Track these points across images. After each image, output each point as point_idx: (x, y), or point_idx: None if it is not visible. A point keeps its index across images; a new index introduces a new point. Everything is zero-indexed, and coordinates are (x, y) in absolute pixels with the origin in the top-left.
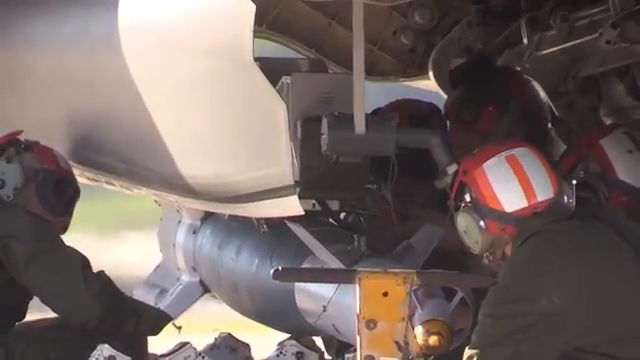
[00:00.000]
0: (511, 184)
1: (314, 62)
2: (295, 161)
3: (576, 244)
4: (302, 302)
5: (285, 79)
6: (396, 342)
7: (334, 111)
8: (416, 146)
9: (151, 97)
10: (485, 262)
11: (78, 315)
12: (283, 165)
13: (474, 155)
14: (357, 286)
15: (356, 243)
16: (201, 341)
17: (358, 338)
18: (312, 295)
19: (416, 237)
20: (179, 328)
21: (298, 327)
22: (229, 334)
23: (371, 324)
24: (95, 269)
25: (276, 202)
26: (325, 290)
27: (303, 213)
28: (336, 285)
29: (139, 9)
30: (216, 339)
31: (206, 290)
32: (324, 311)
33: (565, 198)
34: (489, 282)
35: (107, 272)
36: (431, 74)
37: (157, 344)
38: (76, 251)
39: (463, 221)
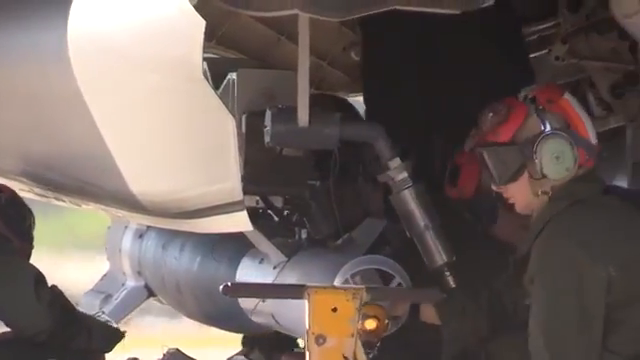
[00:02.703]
0: (588, 118)
1: (262, 64)
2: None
3: (625, 221)
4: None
5: (231, 75)
6: (345, 357)
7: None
8: (359, 140)
9: (100, 113)
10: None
11: (28, 327)
12: (232, 181)
13: (546, 87)
14: (306, 302)
15: (297, 236)
16: (150, 356)
17: (307, 354)
18: None
19: (358, 230)
20: (123, 332)
21: (242, 326)
22: (177, 349)
23: (320, 339)
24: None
25: (225, 218)
26: (264, 280)
27: (252, 229)
28: (275, 274)
29: (89, 24)
30: (164, 354)
31: (151, 294)
32: (263, 301)
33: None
34: (438, 297)
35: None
36: None
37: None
38: (30, 265)
39: (557, 146)
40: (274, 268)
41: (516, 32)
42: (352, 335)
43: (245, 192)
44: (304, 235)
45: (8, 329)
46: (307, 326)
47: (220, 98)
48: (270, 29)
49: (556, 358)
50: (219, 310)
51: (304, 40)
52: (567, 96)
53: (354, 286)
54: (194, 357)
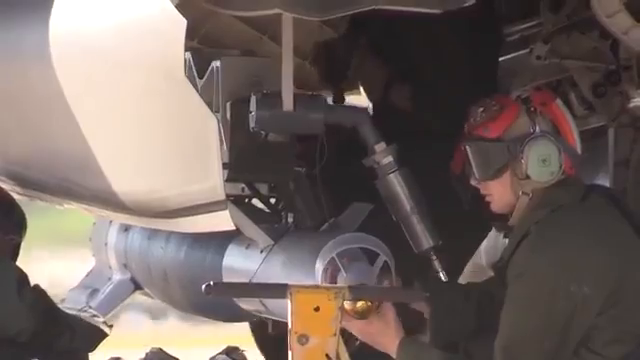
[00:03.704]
0: (576, 128)
1: (245, 52)
2: (225, 146)
3: (605, 226)
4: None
5: (215, 63)
6: (328, 357)
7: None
8: (344, 124)
9: (82, 112)
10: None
11: (10, 326)
12: (214, 180)
13: (540, 90)
14: (289, 301)
15: (283, 221)
16: (133, 356)
17: (290, 353)
18: (239, 272)
19: (344, 215)
20: (110, 326)
21: (230, 314)
22: (160, 349)
23: (303, 339)
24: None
25: (207, 217)
26: (251, 264)
27: (235, 228)
28: (262, 258)
29: (70, 23)
30: (147, 354)
31: (137, 287)
32: None
33: None
34: (422, 297)
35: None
36: (362, 89)
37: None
38: (13, 264)
39: (545, 150)
40: (261, 252)
41: (495, 33)
42: (335, 334)
43: (230, 179)
44: (290, 219)
45: None
46: (290, 325)
47: (204, 87)
48: (252, 28)
49: None
50: (206, 298)
51: (288, 39)
52: (558, 102)
53: (336, 285)
54: (176, 357)
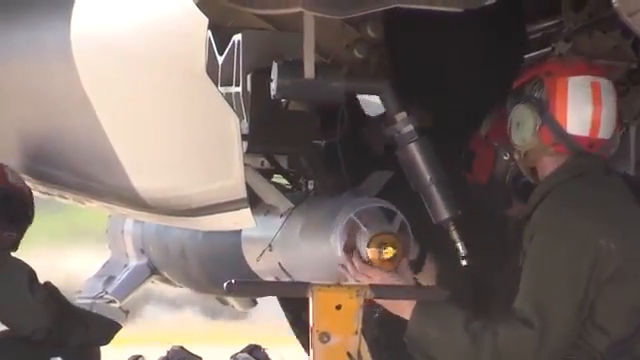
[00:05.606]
0: (585, 110)
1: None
2: (246, 118)
3: (621, 205)
4: (249, 254)
5: (236, 37)
6: (349, 354)
7: None
8: (365, 93)
9: (103, 109)
10: (515, 158)
11: (25, 325)
12: (235, 178)
13: (562, 62)
14: (310, 299)
15: (304, 187)
16: (154, 354)
17: (311, 352)
18: (258, 240)
19: (365, 183)
20: (127, 312)
21: None
22: (181, 347)
23: (325, 337)
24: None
25: (228, 215)
26: (270, 231)
27: (255, 226)
28: (281, 222)
29: (92, 20)
30: (168, 352)
31: (153, 272)
32: (270, 250)
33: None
34: (443, 295)
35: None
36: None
37: (109, 356)
38: (22, 262)
39: (522, 115)
40: (281, 216)
41: (521, 29)
42: (356, 332)
43: (250, 151)
44: (310, 185)
45: (7, 328)
46: (311, 324)
47: (224, 63)
48: (274, 27)
49: (543, 320)
50: (225, 272)
51: (309, 38)
52: (577, 78)
53: (358, 284)
54: (198, 355)
